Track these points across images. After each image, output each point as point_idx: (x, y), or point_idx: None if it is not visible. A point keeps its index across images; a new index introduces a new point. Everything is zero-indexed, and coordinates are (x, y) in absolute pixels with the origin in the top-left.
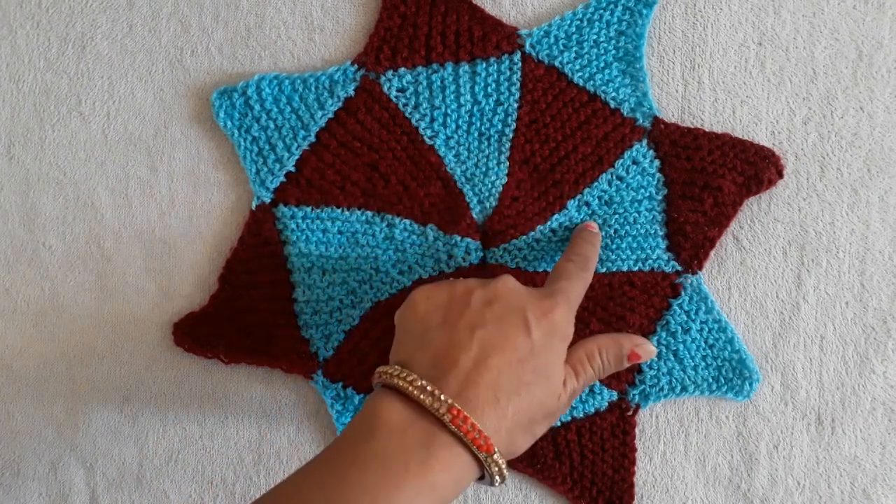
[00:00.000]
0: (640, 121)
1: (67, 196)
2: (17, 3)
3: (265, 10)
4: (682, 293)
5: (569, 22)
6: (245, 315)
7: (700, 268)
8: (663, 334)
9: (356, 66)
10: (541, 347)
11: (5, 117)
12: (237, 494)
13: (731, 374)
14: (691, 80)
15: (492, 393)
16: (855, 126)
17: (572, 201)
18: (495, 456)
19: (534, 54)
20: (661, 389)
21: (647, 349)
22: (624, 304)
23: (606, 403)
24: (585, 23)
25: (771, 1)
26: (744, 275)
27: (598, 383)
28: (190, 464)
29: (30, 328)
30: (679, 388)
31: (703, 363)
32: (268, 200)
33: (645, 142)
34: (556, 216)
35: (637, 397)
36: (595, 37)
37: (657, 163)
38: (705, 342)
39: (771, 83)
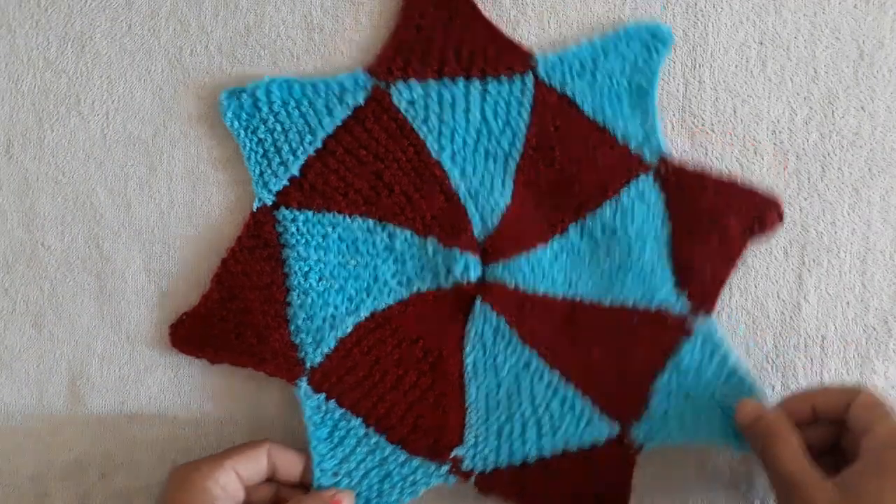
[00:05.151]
0: (647, 157)
1: (66, 196)
2: (16, 2)
3: (264, 9)
4: (694, 334)
5: (584, 51)
6: (238, 315)
7: (713, 307)
8: (675, 373)
9: (367, 74)
10: None
11: (4, 117)
12: None
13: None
14: (692, 79)
15: None
16: (856, 126)
17: (574, 225)
18: None
19: (546, 79)
20: (670, 432)
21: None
22: (630, 337)
23: (605, 437)
24: (601, 53)
25: (772, 0)
26: (745, 275)
27: (595, 415)
28: None
29: (29, 328)
30: (691, 432)
31: (717, 408)
32: (269, 202)
33: (651, 175)
34: (557, 238)
35: (641, 435)
36: (609, 69)
37: (662, 196)
38: (720, 388)
39: (772, 82)
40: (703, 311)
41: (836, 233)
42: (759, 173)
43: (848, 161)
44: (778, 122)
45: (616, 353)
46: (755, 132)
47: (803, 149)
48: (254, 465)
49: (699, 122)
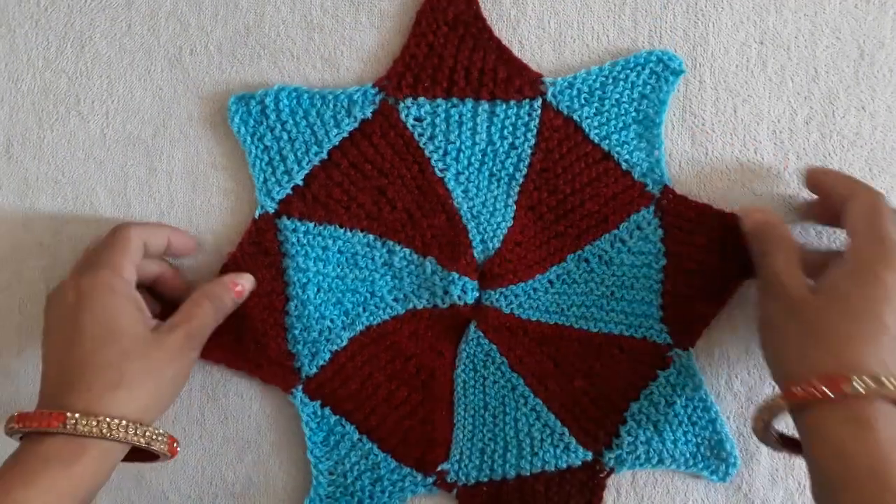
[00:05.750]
0: (650, 187)
1: (66, 196)
2: (15, 1)
3: (264, 9)
4: (671, 366)
5: (594, 77)
6: (237, 319)
7: (692, 344)
8: (646, 403)
9: (377, 88)
10: None
11: (4, 117)
12: (237, 494)
13: (709, 453)
14: (692, 79)
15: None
16: (856, 125)
17: (572, 255)
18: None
19: (554, 103)
20: (638, 458)
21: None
22: (611, 367)
23: (580, 462)
24: (610, 80)
25: (772, 0)
26: None
27: (573, 441)
28: (190, 464)
29: (28, 328)
30: (656, 459)
31: (683, 438)
32: (271, 210)
33: (652, 209)
34: (554, 268)
35: (612, 461)
36: (617, 96)
37: (660, 232)
38: (688, 419)
39: (772, 82)
40: (683, 346)
41: (835, 232)
42: (759, 173)
43: (848, 161)
44: (778, 121)
45: (595, 381)
46: (755, 132)
47: (803, 149)
48: (137, 250)
49: (699, 122)
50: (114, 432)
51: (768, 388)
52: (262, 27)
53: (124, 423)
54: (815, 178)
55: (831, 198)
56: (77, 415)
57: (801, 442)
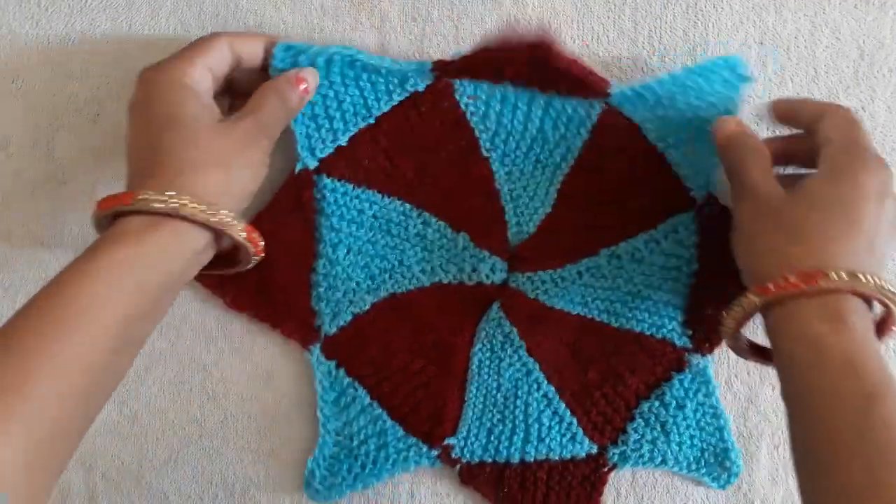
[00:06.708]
0: (694, 191)
1: (67, 196)
2: (16, 1)
3: (265, 10)
4: (687, 370)
5: (665, 86)
6: (263, 270)
7: (711, 351)
8: (656, 403)
9: (434, 71)
10: None
11: (3, 116)
12: (237, 494)
13: (712, 460)
14: None
15: None
16: None
17: (606, 250)
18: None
19: (616, 105)
20: (642, 456)
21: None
22: (626, 363)
23: (584, 454)
24: (679, 89)
25: (772, 0)
26: None
27: (580, 432)
28: (189, 464)
29: None
30: (659, 459)
31: (689, 442)
32: (311, 167)
33: (692, 213)
34: (586, 260)
35: (616, 457)
36: (684, 105)
37: (695, 238)
38: (696, 424)
39: (772, 83)
40: (702, 352)
41: None
42: None
43: None
44: None
45: (609, 376)
46: (755, 131)
47: None
48: (220, 58)
49: None
50: (185, 209)
51: (768, 389)
52: (262, 28)
53: (195, 202)
54: (783, 107)
55: (801, 121)
56: (149, 192)
57: (773, 341)
